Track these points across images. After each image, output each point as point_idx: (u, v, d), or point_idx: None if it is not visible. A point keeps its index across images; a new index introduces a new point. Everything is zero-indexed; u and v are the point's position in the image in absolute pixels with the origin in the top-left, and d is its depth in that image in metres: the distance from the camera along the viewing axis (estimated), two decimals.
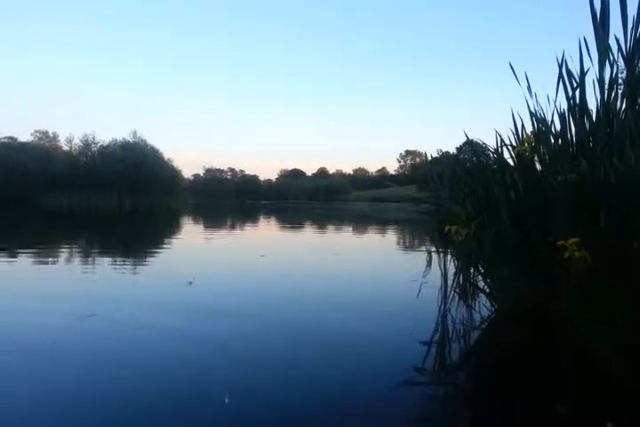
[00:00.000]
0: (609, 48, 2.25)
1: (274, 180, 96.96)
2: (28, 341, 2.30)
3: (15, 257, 5.40)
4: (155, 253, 6.41)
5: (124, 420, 1.50)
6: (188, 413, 1.54)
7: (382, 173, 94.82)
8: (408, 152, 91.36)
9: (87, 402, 1.62)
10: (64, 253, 5.94)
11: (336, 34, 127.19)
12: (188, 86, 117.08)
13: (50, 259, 5.41)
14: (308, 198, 71.06)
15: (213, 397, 1.65)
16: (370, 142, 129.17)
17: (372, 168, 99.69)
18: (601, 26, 2.24)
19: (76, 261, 5.30)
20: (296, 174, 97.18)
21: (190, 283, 3.78)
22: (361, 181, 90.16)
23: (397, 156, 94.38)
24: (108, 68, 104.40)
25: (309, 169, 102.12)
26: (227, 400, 1.63)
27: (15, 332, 2.45)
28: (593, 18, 2.26)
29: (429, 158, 4.18)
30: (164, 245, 7.38)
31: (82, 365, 1.97)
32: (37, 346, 2.21)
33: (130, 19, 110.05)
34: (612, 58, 2.26)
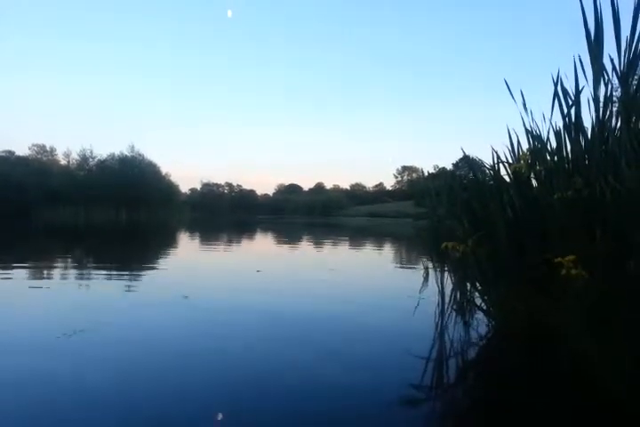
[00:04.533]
0: (603, 67, 2.29)
1: (271, 194, 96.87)
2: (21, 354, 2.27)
3: (11, 273, 5.35)
4: (151, 267, 6.36)
5: None
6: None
7: (379, 189, 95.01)
8: (405, 168, 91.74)
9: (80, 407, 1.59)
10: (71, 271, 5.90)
11: (332, 49, 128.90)
12: (185, 101, 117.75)
13: (48, 275, 5.36)
14: (306, 213, 70.94)
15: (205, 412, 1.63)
16: (367, 158, 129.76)
17: (370, 183, 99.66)
18: (595, 45, 2.28)
19: (73, 276, 5.26)
20: (293, 189, 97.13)
21: (186, 297, 3.76)
22: (358, 196, 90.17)
23: (394, 171, 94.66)
24: (106, 83, 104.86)
25: (306, 184, 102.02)
26: (219, 417, 1.61)
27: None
28: (587, 37, 2.29)
29: (426, 174, 4.20)
30: (161, 260, 7.34)
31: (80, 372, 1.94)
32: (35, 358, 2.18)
33: (128, 33, 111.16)
34: (606, 77, 2.29)
